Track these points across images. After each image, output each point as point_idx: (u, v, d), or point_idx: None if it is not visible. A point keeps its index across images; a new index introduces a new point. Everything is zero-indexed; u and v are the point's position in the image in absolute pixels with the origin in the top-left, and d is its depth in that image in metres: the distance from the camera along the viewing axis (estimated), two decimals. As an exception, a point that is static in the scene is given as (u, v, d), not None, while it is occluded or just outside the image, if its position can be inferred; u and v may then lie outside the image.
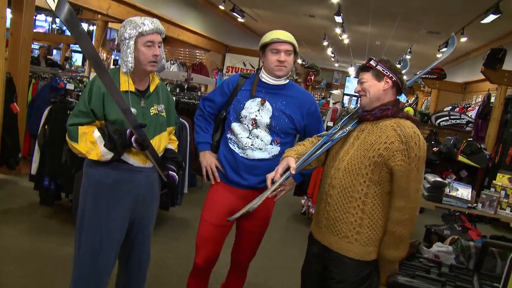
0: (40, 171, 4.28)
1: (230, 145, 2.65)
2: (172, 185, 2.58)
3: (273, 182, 2.18)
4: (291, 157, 2.26)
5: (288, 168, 2.20)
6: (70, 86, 4.52)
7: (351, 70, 22.31)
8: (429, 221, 5.57)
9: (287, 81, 2.66)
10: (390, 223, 2.14)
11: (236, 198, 2.64)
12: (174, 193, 4.46)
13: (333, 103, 9.84)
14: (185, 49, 11.96)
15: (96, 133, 2.25)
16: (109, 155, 2.26)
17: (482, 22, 7.26)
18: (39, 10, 13.47)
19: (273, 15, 11.28)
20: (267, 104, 2.60)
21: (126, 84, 2.34)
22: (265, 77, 2.64)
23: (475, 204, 3.78)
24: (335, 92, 8.80)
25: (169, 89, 5.86)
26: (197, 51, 11.91)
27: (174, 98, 5.06)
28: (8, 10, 5.16)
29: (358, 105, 2.40)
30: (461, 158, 6.63)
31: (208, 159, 2.70)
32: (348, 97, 17.42)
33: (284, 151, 2.63)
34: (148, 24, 2.29)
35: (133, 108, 2.31)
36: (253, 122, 2.59)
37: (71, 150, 2.34)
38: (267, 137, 2.60)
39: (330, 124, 6.28)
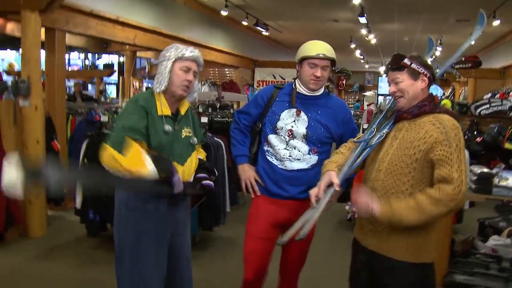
0: (85, 205, 4.36)
1: (268, 157, 2.65)
2: (210, 192, 2.59)
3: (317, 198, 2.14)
4: (332, 170, 2.20)
5: (331, 184, 2.14)
6: (104, 118, 4.60)
7: (382, 70, 21.97)
8: (481, 215, 5.35)
9: (321, 91, 2.65)
10: (424, 195, 1.97)
11: (279, 209, 2.63)
12: (217, 212, 4.45)
13: (367, 105, 9.71)
14: (214, 68, 12.09)
15: (146, 156, 2.18)
16: (155, 175, 2.18)
17: (512, 4, 7.03)
18: (72, 48, 13.91)
19: (297, 24, 11.26)
20: (302, 114, 2.60)
21: (162, 107, 2.37)
22: (299, 88, 2.63)
23: (524, 193, 3.61)
24: (368, 93, 8.69)
25: (201, 110, 5.92)
26: (226, 69, 12.01)
27: (207, 118, 5.09)
28: (42, 52, 5.37)
29: (391, 104, 2.32)
30: (508, 145, 6.36)
31: (247, 172, 2.70)
32: (382, 97, 17.15)
33: (323, 160, 2.58)
34: (189, 51, 2.38)
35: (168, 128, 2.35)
36: (290, 133, 2.59)
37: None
38: (304, 147, 2.59)
39: (366, 126, 6.17)
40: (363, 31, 10.45)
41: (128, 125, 2.26)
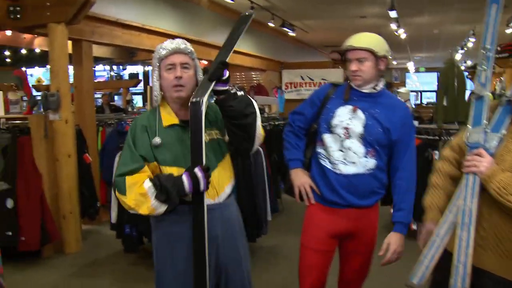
0: (120, 219, 4.22)
1: (321, 161, 2.41)
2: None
3: None
4: (431, 222, 1.95)
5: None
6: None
7: (410, 66, 21.51)
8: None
9: (379, 88, 2.39)
10: None
11: (336, 219, 2.39)
12: (259, 223, 4.26)
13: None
14: (240, 72, 11.94)
15: (147, 183, 1.96)
16: (161, 208, 1.97)
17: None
18: (97, 61, 13.99)
19: (323, 24, 11.05)
20: (358, 111, 2.35)
21: (168, 117, 2.12)
22: (354, 84, 2.41)
23: None
24: (402, 90, 8.38)
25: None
26: (252, 73, 11.85)
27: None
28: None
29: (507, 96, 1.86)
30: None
31: (301, 178, 2.46)
32: (414, 93, 16.74)
33: (381, 166, 2.37)
34: (167, 45, 2.08)
35: (178, 141, 2.08)
36: (345, 132, 2.34)
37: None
38: (360, 149, 2.33)
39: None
40: (392, 26, 10.14)
41: (124, 157, 2.06)
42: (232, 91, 2.07)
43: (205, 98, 1.97)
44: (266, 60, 11.02)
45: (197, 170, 1.95)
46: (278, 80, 12.03)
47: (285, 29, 9.72)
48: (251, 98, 2.16)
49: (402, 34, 11.39)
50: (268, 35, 11.08)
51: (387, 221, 5.58)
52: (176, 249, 2.12)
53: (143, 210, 1.97)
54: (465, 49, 13.95)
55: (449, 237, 1.85)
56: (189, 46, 2.14)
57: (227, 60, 2.08)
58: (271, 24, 9.44)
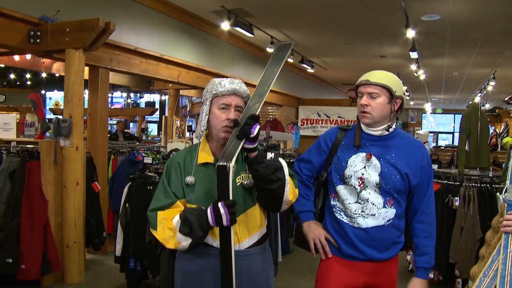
0: (125, 252, 4.07)
1: (336, 214, 2.25)
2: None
3: None
4: None
5: None
6: (148, 160, 4.36)
7: (427, 107, 21.38)
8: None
9: (393, 129, 2.24)
10: None
11: (356, 273, 2.22)
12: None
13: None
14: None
15: (176, 218, 1.95)
16: (186, 242, 1.91)
17: None
18: (115, 87, 14.09)
19: (342, 61, 11.03)
20: (373, 159, 2.18)
21: (204, 155, 2.05)
22: (364, 127, 2.25)
23: None
24: (421, 132, 8.23)
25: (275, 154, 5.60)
26: (269, 107, 11.79)
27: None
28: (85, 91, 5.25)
29: None
30: None
31: (315, 231, 2.29)
32: (432, 134, 16.53)
33: (401, 213, 2.21)
34: (226, 84, 2.02)
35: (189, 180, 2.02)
36: (360, 182, 2.17)
37: None
38: (379, 199, 2.17)
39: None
40: (412, 67, 10.08)
41: (157, 192, 2.07)
42: (262, 153, 1.96)
43: (232, 162, 1.87)
44: (283, 95, 10.96)
45: (220, 205, 1.88)
46: (295, 115, 11.95)
47: (303, 65, 9.68)
48: (282, 163, 2.01)
49: (421, 75, 11.32)
50: (286, 70, 11.07)
51: (402, 267, 5.37)
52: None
53: (171, 245, 1.96)
54: (484, 92, 13.82)
55: None
56: (247, 90, 2.08)
57: (257, 112, 1.99)
58: (290, 60, 9.42)
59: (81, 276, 4.62)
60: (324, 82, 14.32)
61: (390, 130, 2.23)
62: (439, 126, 23.80)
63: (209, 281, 2.01)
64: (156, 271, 3.87)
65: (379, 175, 2.17)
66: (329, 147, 2.32)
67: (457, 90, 16.42)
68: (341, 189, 2.23)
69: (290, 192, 2.02)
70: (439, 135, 23.72)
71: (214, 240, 2.00)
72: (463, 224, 4.25)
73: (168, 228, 1.95)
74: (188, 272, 2.05)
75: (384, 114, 2.18)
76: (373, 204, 2.17)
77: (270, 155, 1.97)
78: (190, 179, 2.01)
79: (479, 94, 14.46)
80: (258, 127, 1.92)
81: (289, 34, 8.50)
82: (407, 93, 16.01)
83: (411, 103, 21.13)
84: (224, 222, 1.87)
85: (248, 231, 2.04)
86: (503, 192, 1.77)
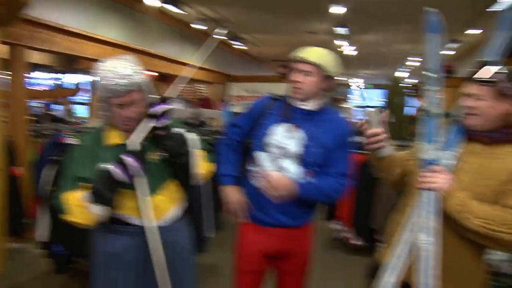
0: (51, 237, 3.93)
1: (253, 180, 2.30)
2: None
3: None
4: None
5: None
6: (71, 141, 4.20)
7: (357, 82, 22.03)
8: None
9: (320, 106, 2.28)
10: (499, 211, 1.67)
11: (269, 239, 2.29)
12: (200, 239, 4.07)
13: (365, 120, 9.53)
14: (186, 84, 11.73)
15: (83, 195, 1.89)
16: (102, 211, 1.87)
17: (493, 10, 6.90)
18: (39, 68, 13.41)
19: (272, 38, 11.08)
20: (298, 130, 2.23)
21: (113, 136, 2.03)
22: (294, 101, 2.28)
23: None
24: (346, 106, 8.47)
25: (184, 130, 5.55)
26: (200, 85, 11.68)
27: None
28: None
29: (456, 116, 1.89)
30: None
31: (233, 195, 2.34)
32: (360, 109, 17.03)
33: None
34: (119, 83, 1.88)
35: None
36: (281, 151, 2.22)
37: None
38: (297, 170, 2.22)
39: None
40: (341, 43, 10.29)
41: (61, 184, 2.03)
42: (171, 129, 2.00)
43: (139, 140, 1.93)
44: (213, 72, 10.89)
45: (123, 156, 1.87)
46: (225, 93, 11.92)
47: (234, 42, 9.64)
48: (187, 136, 2.05)
49: (350, 51, 11.59)
50: (216, 48, 10.97)
51: (329, 238, 5.56)
52: (111, 271, 2.02)
53: (89, 221, 1.91)
54: (410, 67, 14.38)
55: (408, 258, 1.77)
56: (138, 79, 1.94)
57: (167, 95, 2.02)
58: (220, 37, 9.34)
59: (4, 266, 4.42)
60: (254, 58, 14.34)
61: (319, 107, 2.28)
62: (370, 101, 24.59)
63: (131, 260, 2.01)
64: (84, 254, 3.77)
65: (301, 147, 2.21)
66: (258, 114, 2.35)
67: (385, 66, 16.99)
68: (261, 155, 2.27)
69: (200, 165, 2.06)
70: (368, 109, 24.49)
71: (134, 218, 1.99)
72: (383, 191, 4.46)
73: (78, 206, 1.89)
74: (109, 254, 2.03)
75: (316, 91, 2.23)
76: (291, 174, 2.21)
77: (178, 130, 2.02)
78: (103, 165, 1.93)
79: (406, 70, 15.06)
80: (164, 106, 1.96)
81: (219, 10, 8.41)
82: (340, 73, 16.36)
83: (341, 78, 21.69)
84: (134, 168, 1.87)
85: (166, 205, 2.06)
86: (420, 152, 1.86)
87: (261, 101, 2.42)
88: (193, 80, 10.66)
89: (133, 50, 7.39)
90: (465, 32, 8.18)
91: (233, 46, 10.03)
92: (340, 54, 12.49)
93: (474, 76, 1.76)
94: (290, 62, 2.25)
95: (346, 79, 21.66)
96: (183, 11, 7.42)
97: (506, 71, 1.73)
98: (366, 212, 4.75)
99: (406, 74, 17.17)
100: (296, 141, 2.22)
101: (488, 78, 1.72)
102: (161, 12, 8.26)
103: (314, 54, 2.22)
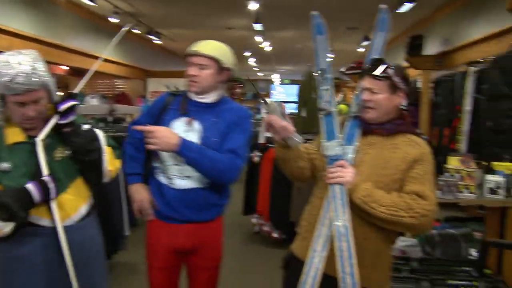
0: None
1: (157, 176, 2.33)
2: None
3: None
4: None
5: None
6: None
7: (275, 77, 22.43)
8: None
9: (217, 98, 2.33)
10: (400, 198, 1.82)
11: (176, 234, 2.32)
12: (115, 237, 4.02)
13: (264, 113, 9.68)
14: (103, 80, 11.41)
15: None
16: (7, 228, 1.79)
17: (398, 11, 7.32)
18: None
19: (190, 33, 11.00)
20: (195, 123, 2.27)
21: (13, 134, 1.93)
22: (192, 94, 2.32)
23: (434, 193, 3.64)
24: (269, 100, 8.61)
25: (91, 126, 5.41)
26: (117, 81, 11.39)
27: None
28: None
29: (353, 112, 2.04)
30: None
31: (140, 193, 2.35)
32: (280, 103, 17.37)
33: None
34: (18, 81, 1.78)
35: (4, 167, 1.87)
36: None
37: None
38: None
39: (268, 134, 6.07)
40: (258, 39, 10.44)
41: None
42: (77, 125, 1.97)
43: (40, 137, 1.90)
44: (131, 67, 10.67)
45: (46, 178, 1.82)
46: (144, 88, 11.73)
47: (151, 36, 9.49)
48: (97, 133, 2.04)
49: (267, 47, 11.78)
50: (133, 42, 10.76)
51: (249, 232, 5.68)
52: (16, 276, 1.92)
53: None
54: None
55: (327, 251, 1.88)
56: (40, 77, 1.84)
57: (74, 92, 1.99)
58: (136, 31, 9.17)
59: None
60: (173, 54, 14.20)
61: (216, 99, 2.32)
62: (289, 96, 25.11)
63: (39, 262, 1.94)
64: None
65: (198, 139, 2.25)
66: (158, 110, 2.37)
67: (302, 62, 17.45)
68: (162, 151, 2.29)
69: (110, 161, 2.06)
70: (288, 104, 25.00)
71: (41, 219, 1.93)
72: (300, 185, 4.62)
73: None
74: (14, 258, 1.93)
75: (212, 84, 2.27)
76: (189, 166, 2.24)
77: (85, 127, 2.00)
78: (4, 165, 1.86)
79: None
80: (69, 103, 1.92)
81: (134, 4, 8.23)
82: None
83: (260, 74, 21.99)
84: (53, 195, 1.85)
85: (75, 204, 2.02)
86: (322, 149, 1.99)
87: (161, 97, 2.45)
88: (109, 75, 10.39)
89: (44, 43, 7.08)
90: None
91: (153, 41, 9.87)
92: (258, 49, 12.71)
93: (370, 72, 1.93)
94: (186, 56, 2.28)
95: (266, 74, 22.03)
96: (95, 3, 7.20)
97: (394, 67, 1.92)
98: (284, 206, 4.90)
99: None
100: (194, 134, 2.26)
101: (383, 73, 1.89)
102: (74, 4, 7.97)
103: (208, 47, 2.25)
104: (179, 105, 2.33)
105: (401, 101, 1.93)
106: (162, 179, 2.31)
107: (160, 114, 2.34)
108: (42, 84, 1.86)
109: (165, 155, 2.28)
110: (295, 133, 1.97)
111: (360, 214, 1.87)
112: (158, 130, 2.14)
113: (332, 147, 1.95)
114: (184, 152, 2.15)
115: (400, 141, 1.92)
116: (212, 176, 2.25)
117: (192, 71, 2.24)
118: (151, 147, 2.14)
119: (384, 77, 1.89)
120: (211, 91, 2.30)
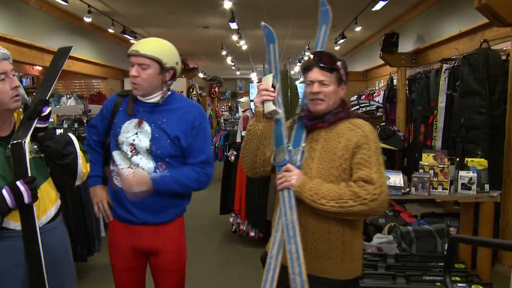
0: None
1: (113, 179, 2.30)
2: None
3: None
4: None
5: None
6: None
7: (253, 76, 22.40)
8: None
9: (163, 97, 2.27)
10: (346, 188, 1.85)
11: (133, 236, 2.30)
12: (91, 239, 3.97)
13: (242, 111, 9.68)
14: (80, 80, 11.25)
15: None
16: None
17: (372, 9, 7.38)
18: None
19: (166, 32, 10.92)
20: (145, 124, 2.23)
21: None
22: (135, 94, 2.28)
23: (408, 189, 3.69)
24: (242, 100, 8.64)
25: (66, 125, 5.34)
26: (93, 81, 11.24)
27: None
28: None
29: (298, 111, 2.07)
30: (381, 144, 6.67)
31: (98, 195, 2.35)
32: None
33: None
34: None
35: None
36: (132, 148, 2.22)
37: None
38: (149, 164, 2.23)
39: (244, 133, 6.07)
40: (234, 37, 10.41)
41: None
42: (51, 130, 1.97)
43: (27, 138, 1.85)
44: (107, 67, 10.54)
45: (19, 183, 1.79)
46: (121, 88, 11.60)
47: (126, 36, 9.39)
48: (71, 137, 2.02)
49: (243, 45, 11.75)
50: (108, 41, 10.63)
51: (227, 230, 5.67)
52: None
53: None
54: (302, 61, 14.90)
55: (282, 255, 1.92)
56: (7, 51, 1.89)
57: (47, 97, 1.96)
58: (110, 30, 9.06)
59: None
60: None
61: (163, 99, 2.26)
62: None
63: (8, 266, 1.89)
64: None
65: (149, 140, 2.22)
66: (109, 112, 2.34)
67: (279, 61, 17.45)
68: (116, 154, 2.28)
69: (83, 165, 2.05)
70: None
71: (10, 222, 1.88)
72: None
73: None
74: None
75: (155, 84, 2.21)
76: (143, 169, 2.22)
77: (59, 131, 2.03)
78: None
79: (298, 64, 15.60)
80: (49, 108, 1.93)
81: (108, 3, 8.14)
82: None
83: (238, 73, 21.96)
84: (26, 200, 1.81)
85: (44, 206, 1.98)
86: (271, 158, 2.01)
87: (110, 99, 2.41)
88: (85, 76, 10.25)
89: (17, 43, 6.95)
90: (355, 29, 8.65)
91: (129, 40, 9.76)
92: (235, 48, 12.67)
93: (321, 64, 1.96)
94: (128, 56, 2.22)
95: (243, 73, 22.01)
96: (66, 2, 7.09)
97: (341, 60, 1.98)
98: (260, 204, 4.91)
99: (299, 69, 17.81)
100: (144, 136, 2.22)
101: (331, 66, 1.95)
102: (47, 3, 7.84)
103: (150, 46, 2.18)
104: (126, 106, 2.29)
105: (344, 94, 2.00)
106: (117, 181, 2.29)
107: (112, 117, 2.31)
108: (9, 56, 1.89)
109: (118, 158, 2.26)
110: (275, 99, 1.96)
111: (316, 211, 1.90)
112: (129, 177, 2.18)
113: (279, 153, 1.98)
114: (160, 188, 2.20)
115: (343, 128, 1.97)
116: (186, 193, 2.32)
117: (133, 71, 2.18)
118: (129, 193, 2.19)
119: (334, 69, 1.94)
120: (156, 91, 2.24)
